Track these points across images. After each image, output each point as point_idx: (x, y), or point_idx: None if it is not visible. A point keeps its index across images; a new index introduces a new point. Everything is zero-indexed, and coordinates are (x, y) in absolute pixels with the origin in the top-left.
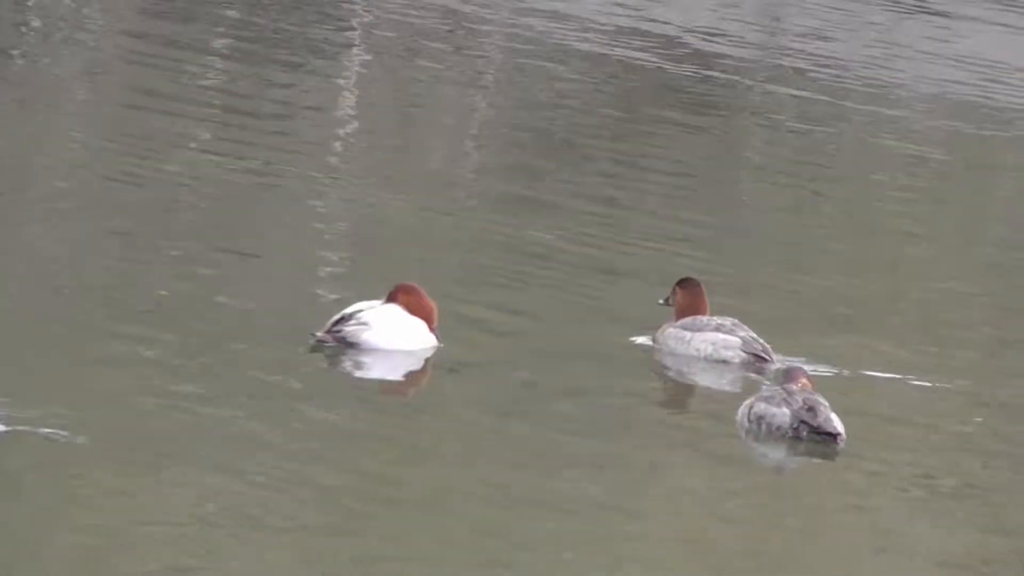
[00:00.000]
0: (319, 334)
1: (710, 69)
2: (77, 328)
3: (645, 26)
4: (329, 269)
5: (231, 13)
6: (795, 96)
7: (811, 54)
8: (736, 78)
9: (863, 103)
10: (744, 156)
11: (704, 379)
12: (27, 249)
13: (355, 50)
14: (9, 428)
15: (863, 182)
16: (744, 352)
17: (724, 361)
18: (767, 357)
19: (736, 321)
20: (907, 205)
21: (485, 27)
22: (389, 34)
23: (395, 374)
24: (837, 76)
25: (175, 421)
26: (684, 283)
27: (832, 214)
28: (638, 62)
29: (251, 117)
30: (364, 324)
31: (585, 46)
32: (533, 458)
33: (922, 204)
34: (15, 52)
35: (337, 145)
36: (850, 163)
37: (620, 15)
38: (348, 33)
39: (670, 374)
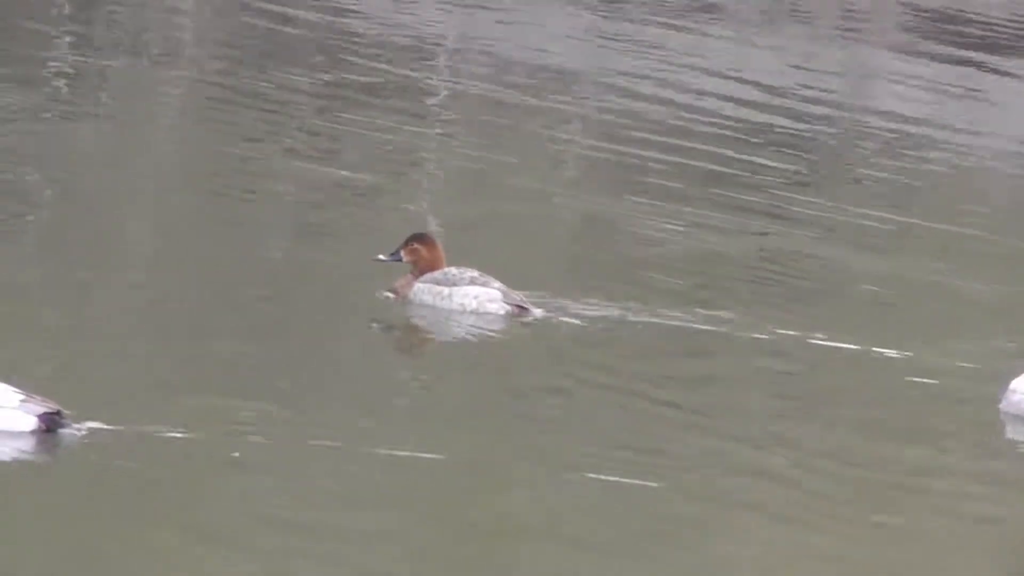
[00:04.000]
0: None
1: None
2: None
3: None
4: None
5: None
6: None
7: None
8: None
9: None
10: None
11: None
12: (148, 254)
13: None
14: (117, 428)
15: None
16: (507, 304)
17: (489, 314)
18: (527, 307)
19: (481, 272)
20: None
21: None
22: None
23: None
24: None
25: None
26: (421, 238)
27: None
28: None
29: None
30: None
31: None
32: None
33: None
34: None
35: None
36: None
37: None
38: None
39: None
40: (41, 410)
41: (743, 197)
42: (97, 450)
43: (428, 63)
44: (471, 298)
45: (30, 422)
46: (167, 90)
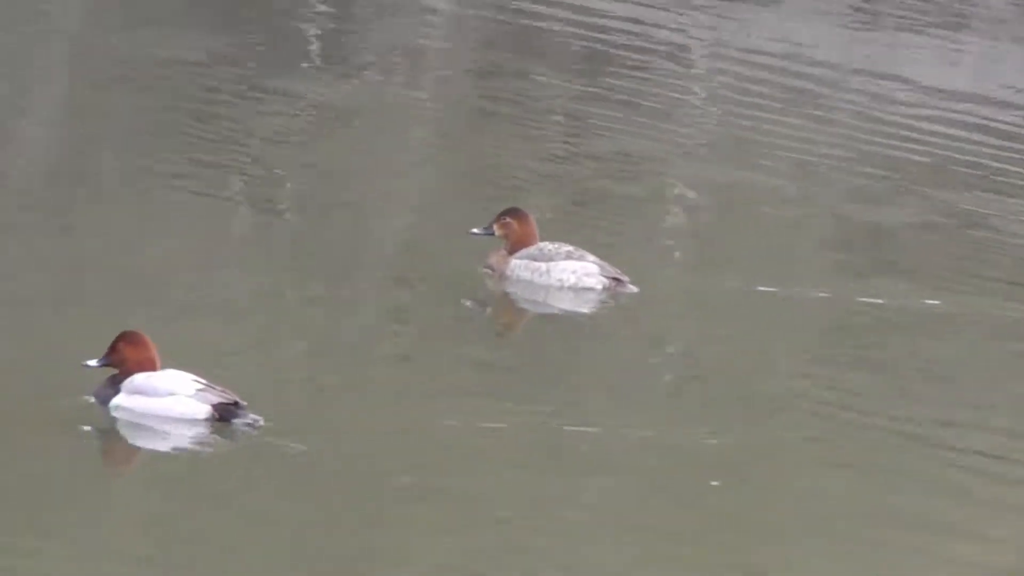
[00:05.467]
0: None
1: None
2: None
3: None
4: None
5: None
6: None
7: None
8: None
9: None
10: None
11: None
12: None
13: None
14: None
15: None
16: (604, 278)
17: (588, 288)
18: (624, 279)
19: (575, 246)
20: None
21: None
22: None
23: None
24: None
25: None
26: (514, 212)
27: None
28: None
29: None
30: None
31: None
32: None
33: None
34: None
35: None
36: None
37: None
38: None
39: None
40: (216, 400)
41: None
42: (263, 440)
43: (678, 68)
44: (569, 273)
45: (204, 410)
46: (421, 95)
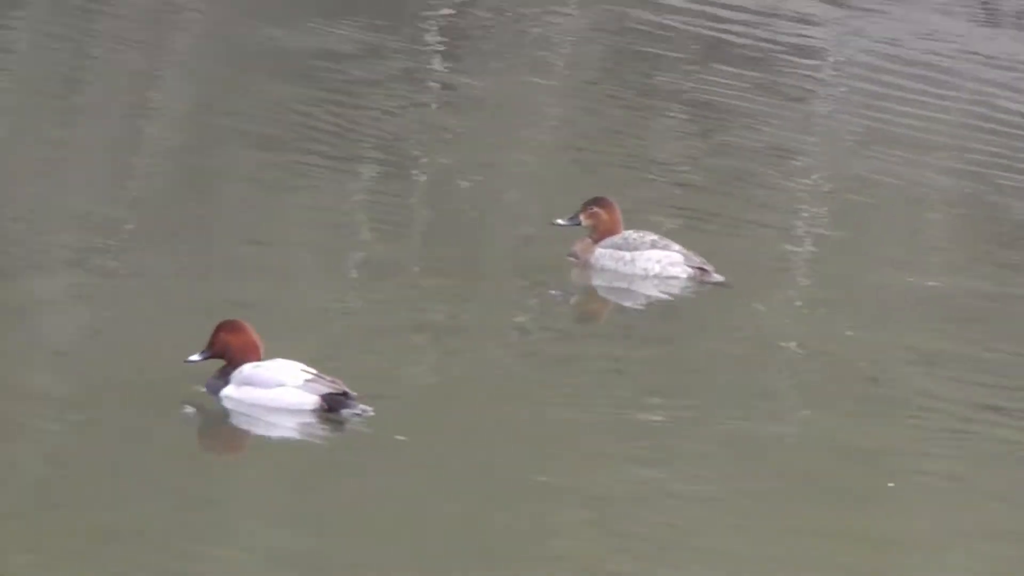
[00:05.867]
0: None
1: None
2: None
3: None
4: None
5: None
6: None
7: None
8: None
9: None
10: None
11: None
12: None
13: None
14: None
15: None
16: (689, 267)
17: (672, 277)
18: (708, 268)
19: (660, 235)
20: None
21: None
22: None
23: None
24: None
25: None
26: (601, 201)
27: None
28: None
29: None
30: None
31: None
32: None
33: None
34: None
35: None
36: None
37: None
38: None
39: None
40: (325, 390)
41: None
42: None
43: (812, 61)
44: (654, 262)
45: (312, 401)
46: (556, 84)
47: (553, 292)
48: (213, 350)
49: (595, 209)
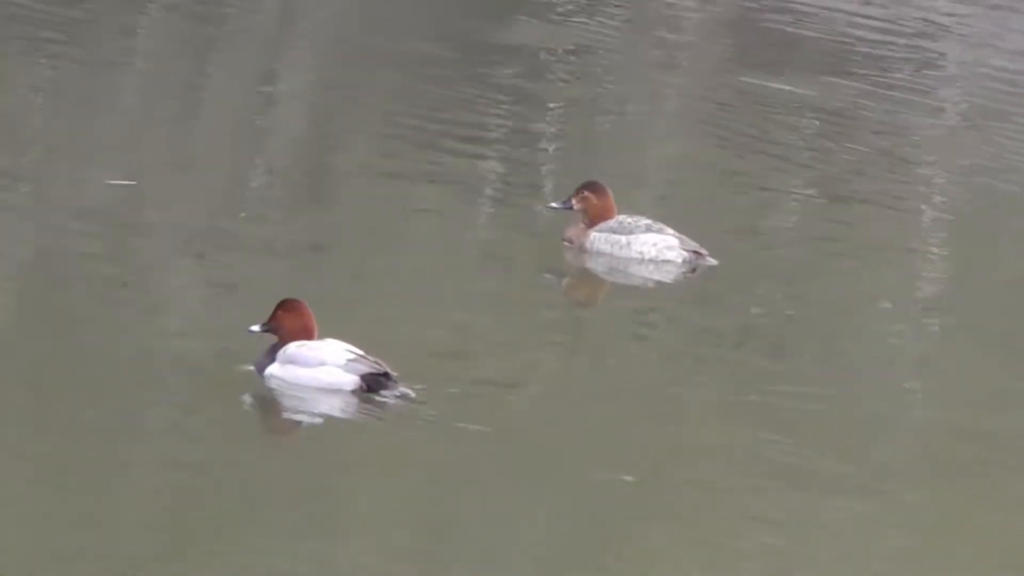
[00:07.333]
0: None
1: None
2: None
3: None
4: None
5: None
6: None
7: None
8: None
9: None
10: None
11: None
12: None
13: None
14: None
15: None
16: (684, 251)
17: (668, 261)
18: (703, 252)
19: (654, 219)
20: None
21: None
22: None
23: None
24: None
25: None
26: (593, 186)
27: None
28: None
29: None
30: None
31: None
32: None
33: None
34: None
35: None
36: None
37: None
38: None
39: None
40: (366, 370)
41: None
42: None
43: (932, 59)
44: (650, 246)
45: (351, 381)
46: (678, 81)
47: (547, 275)
48: (271, 324)
49: (586, 193)
